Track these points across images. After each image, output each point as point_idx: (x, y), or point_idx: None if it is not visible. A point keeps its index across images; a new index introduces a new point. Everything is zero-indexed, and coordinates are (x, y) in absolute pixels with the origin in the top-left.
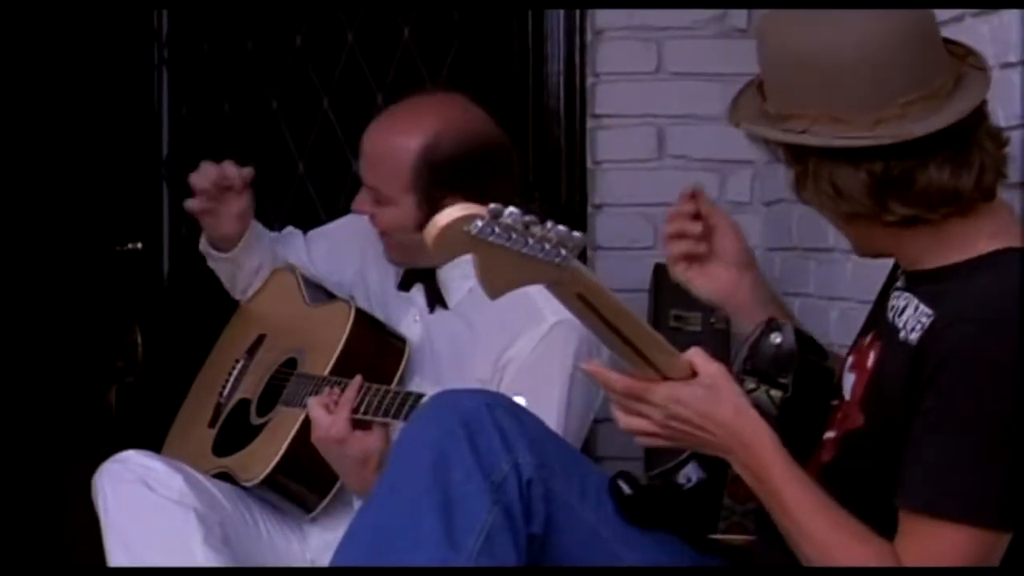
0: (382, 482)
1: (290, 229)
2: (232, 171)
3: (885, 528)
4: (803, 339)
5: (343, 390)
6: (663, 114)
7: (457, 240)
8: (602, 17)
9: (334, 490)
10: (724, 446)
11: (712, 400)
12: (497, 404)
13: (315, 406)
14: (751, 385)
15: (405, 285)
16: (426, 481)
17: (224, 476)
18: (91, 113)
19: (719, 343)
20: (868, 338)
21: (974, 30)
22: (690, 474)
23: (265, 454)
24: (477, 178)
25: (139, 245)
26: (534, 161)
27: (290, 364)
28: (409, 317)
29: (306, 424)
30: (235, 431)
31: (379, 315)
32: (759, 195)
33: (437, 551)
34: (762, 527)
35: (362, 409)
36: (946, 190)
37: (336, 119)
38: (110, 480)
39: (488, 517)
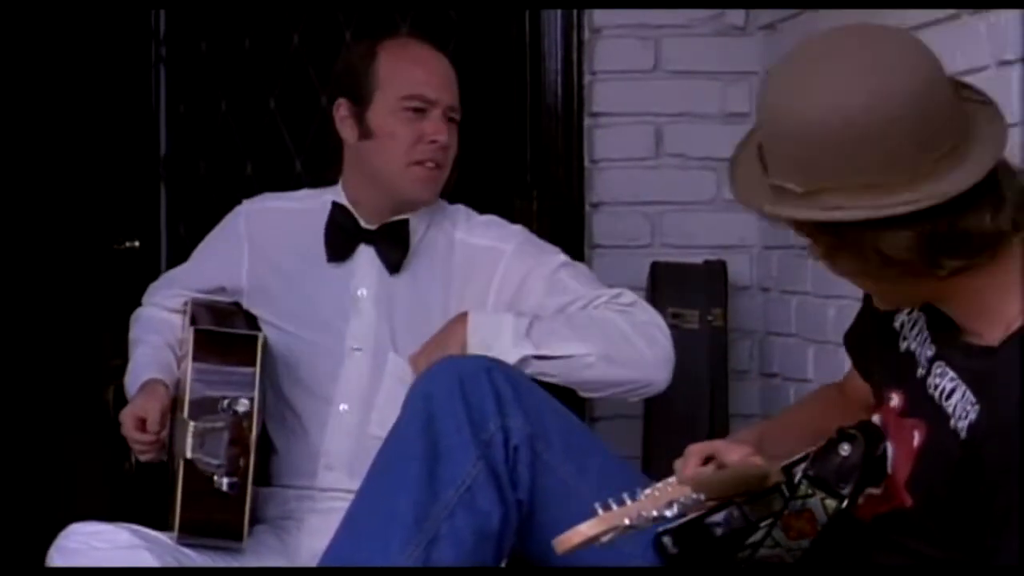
0: (391, 428)
1: (154, 288)
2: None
3: None
4: (871, 437)
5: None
6: (660, 112)
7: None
8: (599, 15)
9: (246, 530)
10: None
11: None
12: (498, 369)
13: None
14: (807, 491)
15: (342, 254)
16: (418, 428)
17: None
18: (89, 111)
19: (716, 341)
20: (897, 399)
21: (972, 28)
22: (724, 521)
23: (173, 512)
24: None
25: (136, 244)
26: (531, 160)
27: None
28: (350, 295)
29: (186, 473)
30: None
31: (297, 304)
32: None
33: (417, 494)
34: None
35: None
36: (990, 234)
37: None
38: (60, 553)
39: (472, 470)
